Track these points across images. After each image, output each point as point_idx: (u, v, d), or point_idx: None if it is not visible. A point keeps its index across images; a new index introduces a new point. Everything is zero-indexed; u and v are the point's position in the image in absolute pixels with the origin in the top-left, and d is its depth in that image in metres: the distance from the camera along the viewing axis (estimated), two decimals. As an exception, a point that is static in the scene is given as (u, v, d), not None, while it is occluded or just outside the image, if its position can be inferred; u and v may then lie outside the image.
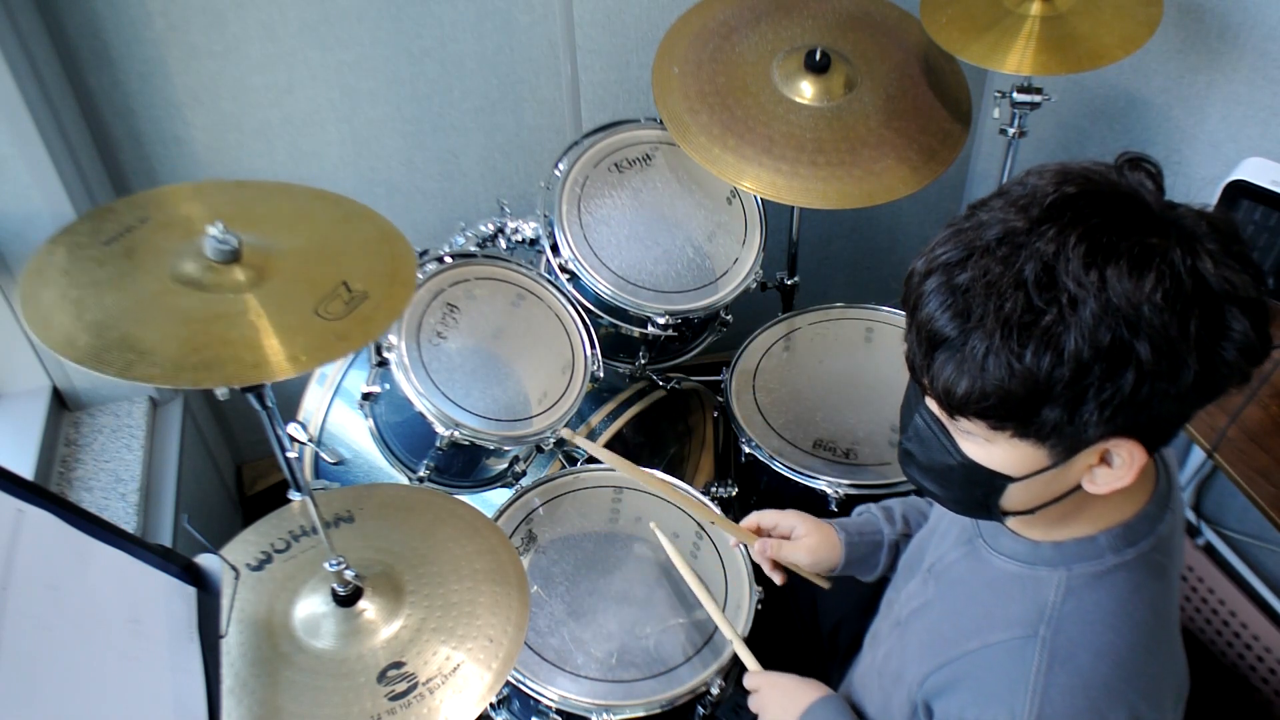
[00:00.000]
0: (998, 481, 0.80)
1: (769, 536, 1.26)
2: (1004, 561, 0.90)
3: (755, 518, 1.28)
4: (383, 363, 1.37)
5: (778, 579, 1.26)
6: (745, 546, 1.34)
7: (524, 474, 1.56)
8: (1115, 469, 0.77)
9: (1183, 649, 0.89)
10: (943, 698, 0.89)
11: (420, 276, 1.44)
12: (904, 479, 1.49)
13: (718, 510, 1.41)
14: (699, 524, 1.46)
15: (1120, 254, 0.68)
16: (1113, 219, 0.69)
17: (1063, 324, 0.68)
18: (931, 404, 0.80)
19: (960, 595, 0.95)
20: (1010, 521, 0.90)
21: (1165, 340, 0.68)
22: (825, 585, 1.26)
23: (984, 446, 0.79)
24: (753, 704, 1.17)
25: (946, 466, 0.82)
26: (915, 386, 0.83)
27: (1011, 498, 0.81)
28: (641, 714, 1.23)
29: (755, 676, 1.20)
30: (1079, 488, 0.80)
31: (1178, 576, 0.90)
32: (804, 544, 1.22)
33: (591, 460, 1.60)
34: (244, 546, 1.17)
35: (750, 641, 1.29)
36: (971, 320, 0.71)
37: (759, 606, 1.33)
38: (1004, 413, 0.73)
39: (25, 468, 1.50)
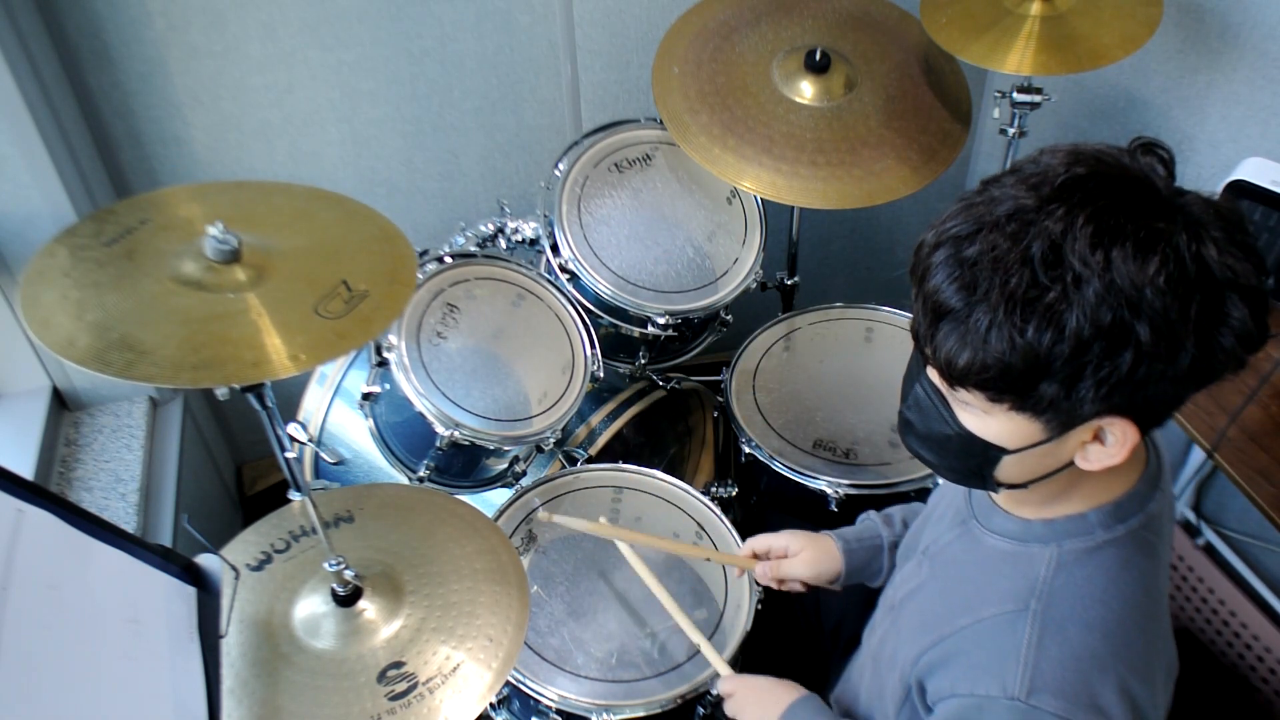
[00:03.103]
0: (992, 453, 0.81)
1: (768, 559, 1.28)
2: (996, 540, 0.91)
3: (750, 545, 1.30)
4: (383, 363, 1.37)
5: (799, 587, 1.27)
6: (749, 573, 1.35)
7: (524, 474, 1.56)
8: (1108, 447, 0.78)
9: (1170, 629, 0.90)
10: (935, 675, 0.90)
11: (420, 276, 1.44)
12: (903, 479, 1.50)
13: (729, 529, 1.41)
14: (699, 524, 1.46)
15: (1126, 236, 0.69)
16: (1121, 202, 0.70)
17: (1066, 302, 0.69)
18: (932, 374, 0.81)
19: (953, 575, 0.96)
20: (1002, 500, 0.92)
21: (1165, 323, 0.69)
22: (836, 589, 1.27)
23: (981, 418, 0.80)
24: (729, 708, 1.17)
25: (944, 436, 0.84)
26: (918, 356, 0.84)
27: (1005, 470, 0.83)
28: (641, 714, 1.23)
29: (728, 681, 1.20)
30: (1072, 464, 0.81)
31: (1168, 556, 0.91)
32: (802, 559, 1.23)
33: (591, 461, 1.60)
34: (244, 546, 1.17)
35: (753, 637, 1.29)
36: (977, 294, 0.72)
37: (759, 606, 1.33)
38: (1003, 385, 0.74)
39: (25, 468, 1.50)
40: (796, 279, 1.94)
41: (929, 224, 0.78)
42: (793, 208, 1.85)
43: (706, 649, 1.24)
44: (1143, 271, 0.68)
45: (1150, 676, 0.83)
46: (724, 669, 1.22)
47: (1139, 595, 0.84)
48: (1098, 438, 0.78)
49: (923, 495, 1.46)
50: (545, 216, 1.61)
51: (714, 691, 1.25)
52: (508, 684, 1.26)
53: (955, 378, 0.76)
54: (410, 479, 1.47)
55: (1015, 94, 1.58)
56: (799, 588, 1.27)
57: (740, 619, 1.32)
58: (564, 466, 1.59)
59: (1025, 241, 0.70)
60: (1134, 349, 0.70)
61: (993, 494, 0.92)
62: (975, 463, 0.83)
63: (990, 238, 0.72)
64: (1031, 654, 0.81)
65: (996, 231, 0.72)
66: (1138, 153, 0.75)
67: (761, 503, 1.69)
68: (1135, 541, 0.85)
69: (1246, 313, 0.71)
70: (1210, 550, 1.79)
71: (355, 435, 1.56)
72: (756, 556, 1.29)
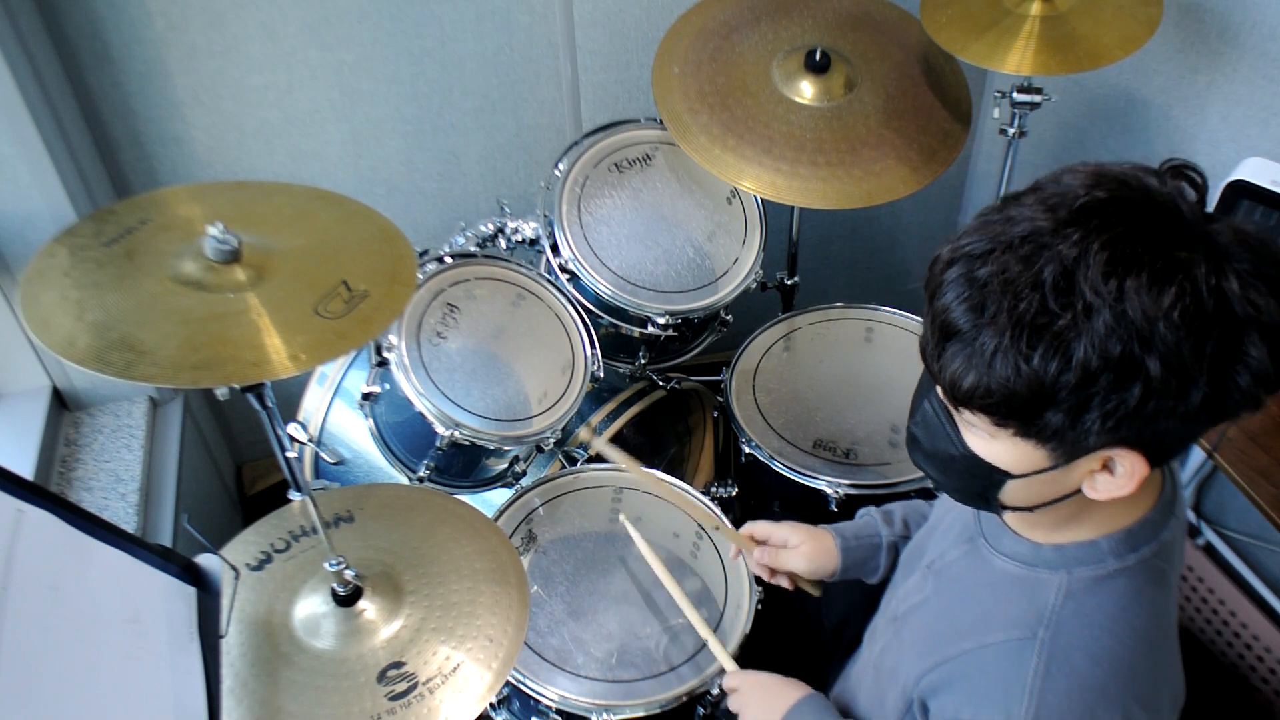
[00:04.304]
0: (996, 476, 0.80)
1: (765, 546, 1.27)
2: (1004, 562, 0.90)
3: (750, 528, 1.29)
4: (383, 363, 1.37)
5: (784, 583, 1.26)
6: (744, 556, 1.34)
7: (524, 474, 1.56)
8: (1116, 478, 0.76)
9: (1180, 657, 0.88)
10: (938, 696, 0.89)
11: (420, 276, 1.44)
12: (903, 479, 1.50)
13: (722, 517, 1.40)
14: (699, 525, 1.46)
15: (1142, 266, 0.66)
16: (1140, 229, 0.68)
17: (1074, 330, 0.67)
18: (940, 392, 0.81)
19: (959, 593, 0.95)
20: (1012, 521, 0.90)
21: (1177, 359, 0.67)
22: (815, 593, 1.27)
23: (986, 441, 0.79)
24: (732, 704, 1.17)
25: (949, 455, 0.83)
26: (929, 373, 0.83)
27: (1011, 493, 0.82)
28: (641, 714, 1.23)
29: (733, 677, 1.19)
30: (1079, 491, 0.80)
31: (1177, 583, 0.89)
32: (800, 552, 1.22)
33: (592, 460, 1.60)
34: (244, 546, 1.17)
35: (754, 638, 1.29)
36: (985, 316, 0.71)
37: (759, 607, 1.33)
38: (1007, 411, 0.73)
39: (25, 468, 1.50)
40: (796, 279, 1.94)
41: (946, 238, 0.76)
42: (793, 208, 1.85)
43: (713, 643, 1.24)
44: (1157, 304, 0.65)
45: (1156, 707, 0.82)
46: (729, 664, 1.22)
47: (1149, 626, 0.82)
48: (1106, 468, 0.77)
49: (923, 494, 1.46)
50: (545, 216, 1.61)
51: (714, 691, 1.26)
52: (508, 684, 1.26)
53: (959, 399, 0.75)
54: (410, 479, 1.47)
55: (1015, 94, 1.58)
56: (785, 582, 1.26)
57: (740, 619, 1.32)
58: (564, 466, 1.59)
59: (1038, 265, 0.69)
60: (1143, 383, 0.67)
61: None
62: (980, 485, 0.82)
63: (1003, 259, 0.70)
64: (1037, 684, 0.80)
65: (1010, 253, 0.70)
66: (1166, 175, 0.72)
67: (761, 503, 1.69)
68: (1147, 570, 0.84)
69: (1265, 352, 0.68)
70: (1210, 550, 1.79)
71: (355, 435, 1.56)
72: (755, 541, 1.28)
